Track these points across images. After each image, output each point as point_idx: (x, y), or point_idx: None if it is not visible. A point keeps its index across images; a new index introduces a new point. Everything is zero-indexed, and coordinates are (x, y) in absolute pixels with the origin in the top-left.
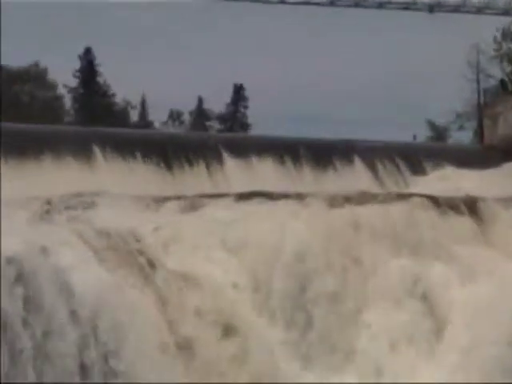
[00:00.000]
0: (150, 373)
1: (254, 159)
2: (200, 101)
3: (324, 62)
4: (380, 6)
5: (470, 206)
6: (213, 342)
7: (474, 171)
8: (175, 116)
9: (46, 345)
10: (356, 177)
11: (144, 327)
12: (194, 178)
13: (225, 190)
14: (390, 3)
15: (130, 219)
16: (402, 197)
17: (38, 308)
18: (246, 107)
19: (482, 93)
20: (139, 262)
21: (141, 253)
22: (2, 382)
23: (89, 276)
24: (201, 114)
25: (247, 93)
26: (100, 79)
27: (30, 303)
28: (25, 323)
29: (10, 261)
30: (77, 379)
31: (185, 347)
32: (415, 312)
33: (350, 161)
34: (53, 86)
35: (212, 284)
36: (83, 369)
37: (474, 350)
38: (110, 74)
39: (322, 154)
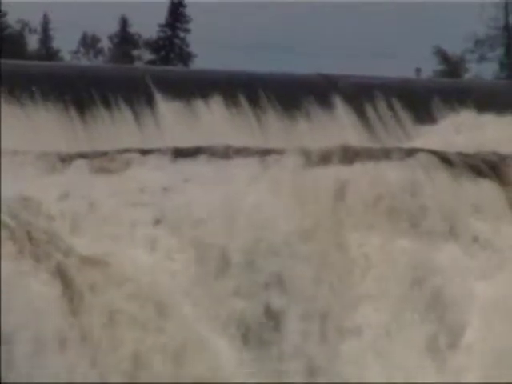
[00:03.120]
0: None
1: (198, 102)
2: (124, 21)
3: None
4: None
5: (495, 167)
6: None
7: (501, 118)
8: (89, 42)
9: None
10: (338, 126)
11: (45, 326)
12: (114, 128)
13: (158, 145)
14: None
15: (27, 184)
16: (402, 153)
17: None
18: (186, 31)
19: (511, 9)
20: (40, 243)
21: (42, 231)
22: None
23: None
24: (125, 40)
25: (188, 11)
26: None
27: None
28: None
29: None
30: None
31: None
32: (419, 313)
33: (330, 104)
34: None
35: (139, 272)
36: None
37: (498, 365)
38: None
39: (291, 94)
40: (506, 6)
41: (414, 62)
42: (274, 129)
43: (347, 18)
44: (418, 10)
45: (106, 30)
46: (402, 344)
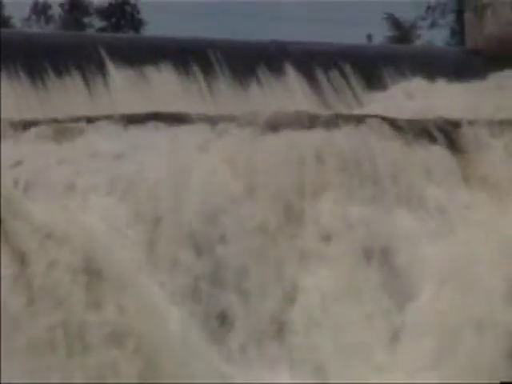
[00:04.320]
0: None
1: (149, 69)
2: None
3: None
4: None
5: (447, 133)
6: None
7: (452, 84)
8: (41, 9)
9: None
10: (289, 92)
11: None
12: (65, 95)
13: (109, 112)
14: None
15: None
16: (353, 119)
17: None
18: None
19: None
20: None
21: None
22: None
23: None
24: (75, 7)
25: None
26: None
27: None
28: None
29: None
30: None
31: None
32: (372, 279)
33: (281, 70)
34: None
35: (90, 239)
36: None
37: (452, 330)
38: None
39: (242, 60)
40: None
41: (365, 29)
42: (223, 95)
43: None
44: None
45: None
46: (352, 307)
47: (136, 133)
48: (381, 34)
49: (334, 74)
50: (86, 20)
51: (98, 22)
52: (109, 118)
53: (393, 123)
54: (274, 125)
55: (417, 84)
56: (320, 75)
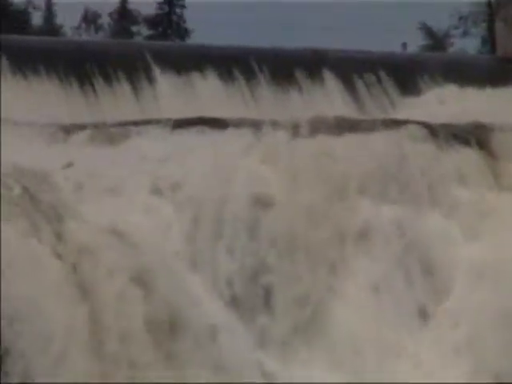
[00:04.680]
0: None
1: (194, 75)
2: None
3: None
4: None
5: (479, 137)
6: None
7: (484, 90)
8: (91, 19)
9: None
10: (327, 98)
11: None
12: (114, 101)
13: (156, 116)
14: None
15: (33, 154)
16: (389, 124)
17: None
18: (183, 7)
19: None
20: (45, 210)
21: (48, 199)
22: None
23: None
24: (124, 16)
25: None
26: None
27: None
28: None
29: None
30: None
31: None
32: (406, 276)
33: (320, 77)
34: None
35: (138, 238)
36: None
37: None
38: None
39: (283, 68)
40: None
41: (401, 38)
42: (265, 101)
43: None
44: None
45: (106, 6)
46: (392, 304)
47: (181, 137)
48: (415, 43)
49: (371, 80)
50: (134, 28)
51: (145, 31)
52: (155, 122)
53: (427, 127)
54: (313, 129)
55: (450, 90)
56: (357, 81)
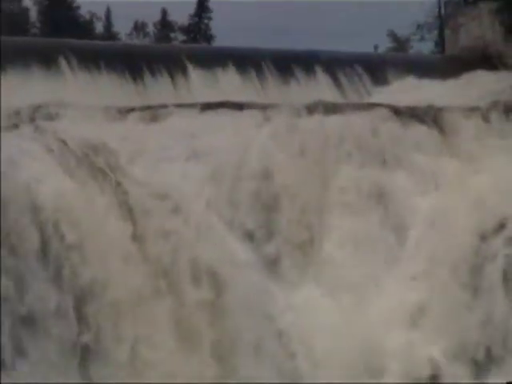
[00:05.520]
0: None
1: (218, 70)
2: (164, 12)
3: None
4: None
5: (433, 116)
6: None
7: (436, 81)
8: (140, 27)
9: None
10: (319, 88)
11: (110, 237)
12: (158, 89)
13: (189, 101)
14: None
15: (96, 130)
16: (365, 107)
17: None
18: (209, 19)
19: (443, 4)
20: (107, 174)
21: (108, 165)
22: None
23: (56, 188)
24: (165, 26)
25: (211, 4)
26: None
27: None
28: None
29: None
30: None
31: (149, 260)
32: (377, 219)
33: (313, 72)
34: None
35: (178, 197)
36: None
37: (436, 257)
38: None
39: (285, 65)
40: (439, 0)
41: (373, 41)
42: (272, 90)
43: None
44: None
45: (152, 18)
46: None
47: (208, 116)
48: (384, 45)
49: (351, 73)
50: (172, 35)
51: (180, 37)
52: (188, 105)
53: (393, 109)
54: (309, 111)
55: (410, 81)
56: (341, 75)
